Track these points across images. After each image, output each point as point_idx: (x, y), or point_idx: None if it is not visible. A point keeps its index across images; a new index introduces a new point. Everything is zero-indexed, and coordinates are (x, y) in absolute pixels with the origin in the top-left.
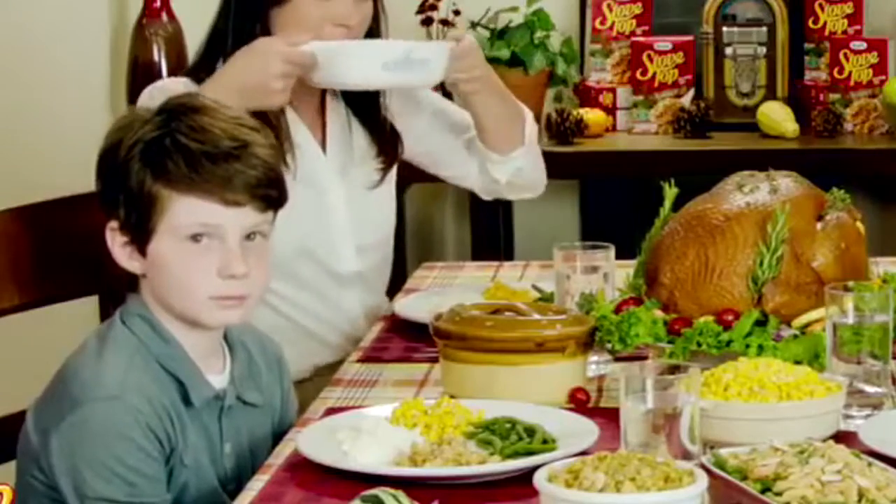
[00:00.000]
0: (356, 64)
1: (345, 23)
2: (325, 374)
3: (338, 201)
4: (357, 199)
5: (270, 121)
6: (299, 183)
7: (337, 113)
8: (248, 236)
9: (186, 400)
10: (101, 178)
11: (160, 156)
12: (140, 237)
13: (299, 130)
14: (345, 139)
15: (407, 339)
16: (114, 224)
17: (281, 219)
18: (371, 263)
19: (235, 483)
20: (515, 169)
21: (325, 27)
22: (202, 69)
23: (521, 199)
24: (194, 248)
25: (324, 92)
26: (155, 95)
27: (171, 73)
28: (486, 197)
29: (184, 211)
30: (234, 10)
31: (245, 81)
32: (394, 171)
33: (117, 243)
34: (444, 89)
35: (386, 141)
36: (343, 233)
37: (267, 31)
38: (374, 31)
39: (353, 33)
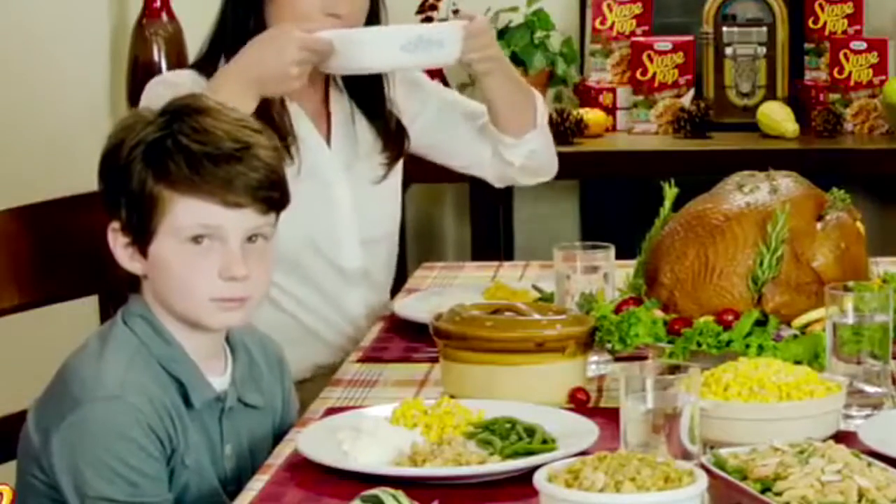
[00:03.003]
0: (373, 48)
1: (335, 11)
2: (325, 374)
3: (343, 195)
4: (362, 193)
5: (273, 116)
6: (304, 177)
7: (341, 106)
8: (250, 238)
9: (187, 401)
10: (104, 178)
11: (162, 157)
12: (141, 238)
13: (303, 124)
14: (349, 133)
15: (407, 339)
16: (116, 225)
17: (286, 213)
18: (376, 259)
19: (235, 484)
20: (529, 151)
21: (316, 17)
22: (206, 62)
23: (535, 182)
24: (195, 249)
25: (327, 86)
26: (160, 92)
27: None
28: (498, 184)
29: (185, 212)
30: (233, 4)
31: (261, 69)
32: (399, 165)
33: (119, 244)
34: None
35: (391, 135)
36: (348, 227)
37: (261, 23)
38: (373, 26)
39: (347, 23)
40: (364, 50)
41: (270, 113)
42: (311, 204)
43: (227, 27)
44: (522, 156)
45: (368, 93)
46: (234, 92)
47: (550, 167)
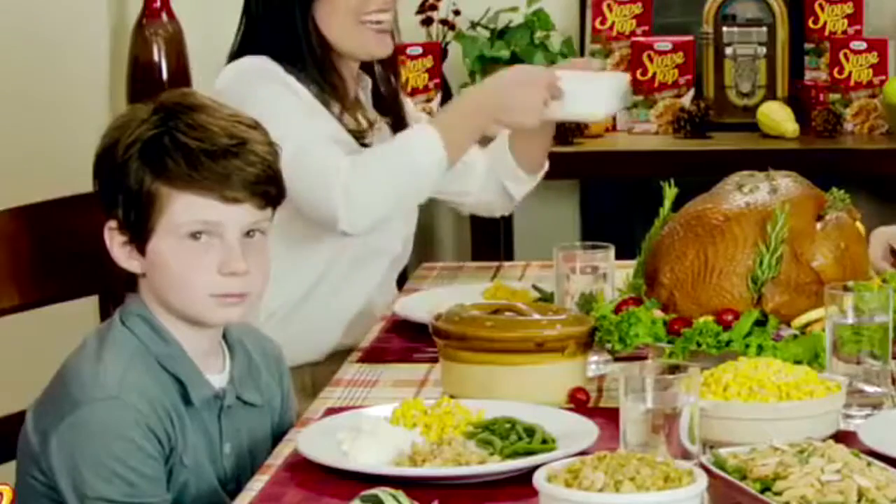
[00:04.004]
0: (605, 94)
1: (385, 7)
2: (339, 359)
3: None
4: None
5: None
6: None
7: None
8: (248, 233)
9: (186, 399)
10: (100, 177)
11: (159, 154)
12: (139, 236)
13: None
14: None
15: (407, 339)
16: (112, 224)
17: None
18: (405, 249)
19: (235, 483)
20: (528, 188)
21: (366, 15)
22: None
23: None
24: (194, 245)
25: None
26: (280, 92)
27: (172, 73)
28: (496, 214)
29: (183, 209)
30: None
31: (512, 101)
32: None
33: (116, 243)
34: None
35: None
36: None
37: (306, 19)
38: None
39: (391, 18)
40: (597, 96)
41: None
42: None
43: (261, 21)
44: (526, 191)
45: (390, 105)
46: (477, 121)
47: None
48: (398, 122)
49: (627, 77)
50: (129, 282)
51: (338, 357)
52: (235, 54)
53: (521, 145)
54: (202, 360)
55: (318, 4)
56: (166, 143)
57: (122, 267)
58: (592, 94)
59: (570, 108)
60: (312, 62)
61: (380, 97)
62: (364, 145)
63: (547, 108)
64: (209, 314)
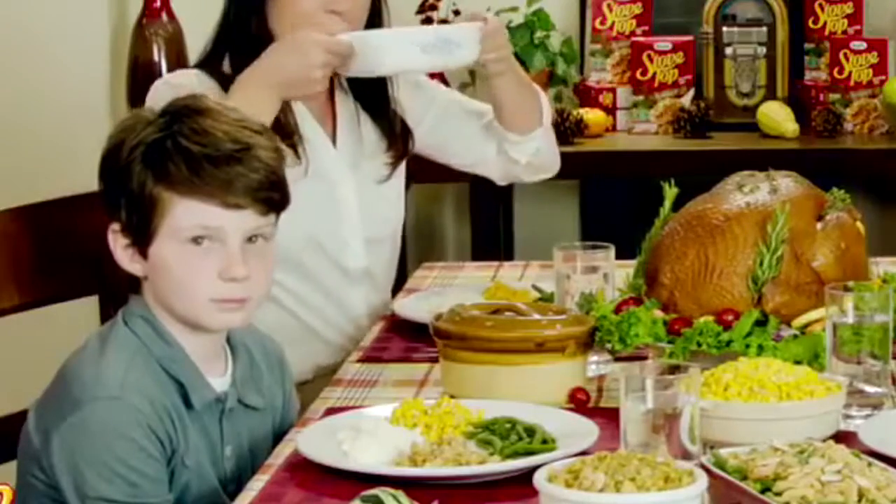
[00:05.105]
0: (393, 50)
1: (335, 8)
2: (326, 375)
3: (348, 195)
4: (367, 193)
5: (279, 117)
6: (310, 177)
7: (346, 106)
8: (250, 239)
9: (187, 402)
10: (104, 179)
11: (161, 158)
12: (141, 240)
13: (308, 125)
14: (354, 132)
15: (407, 339)
16: (116, 226)
17: (290, 211)
18: (379, 259)
19: (235, 484)
20: (535, 149)
21: (317, 14)
22: (210, 61)
23: (538, 179)
24: (195, 250)
25: (332, 87)
26: (165, 93)
27: (172, 72)
28: (502, 182)
29: (185, 213)
30: (235, 3)
31: (285, 73)
32: (403, 166)
33: (119, 245)
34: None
35: (396, 135)
36: (353, 226)
37: (263, 22)
38: (376, 26)
39: (348, 21)
40: (385, 52)
41: (276, 114)
42: (316, 204)
43: (230, 26)
44: (528, 153)
45: (373, 93)
46: (257, 97)
47: (553, 164)
48: (380, 110)
49: (443, 29)
50: (133, 282)
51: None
52: (196, 64)
53: (496, 108)
54: (204, 363)
55: (272, 10)
56: (169, 147)
57: (124, 269)
58: (384, 48)
59: (363, 65)
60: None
61: (376, 111)
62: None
63: (348, 68)
64: (209, 319)
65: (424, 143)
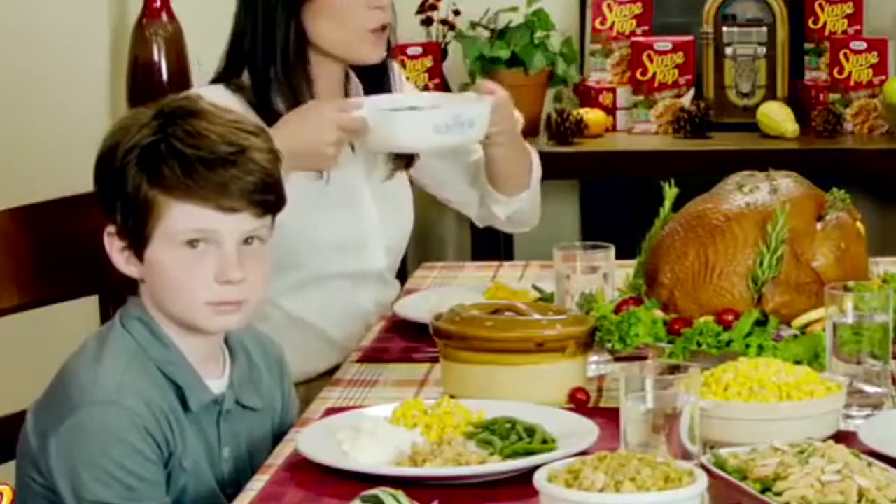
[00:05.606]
0: (407, 129)
1: (379, 5)
2: (327, 375)
3: (369, 201)
4: (381, 197)
5: None
6: (333, 182)
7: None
8: (246, 241)
9: (184, 404)
10: (99, 182)
11: (156, 161)
12: (137, 242)
13: None
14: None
15: (407, 339)
16: (111, 228)
17: (312, 218)
18: (393, 262)
19: (234, 486)
20: (517, 209)
21: (359, 10)
22: (229, 75)
23: (515, 232)
24: (191, 253)
25: (346, 88)
26: None
27: (172, 73)
28: (480, 225)
29: (180, 217)
30: (262, 8)
31: (298, 146)
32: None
33: (115, 248)
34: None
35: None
36: (375, 231)
37: (300, 26)
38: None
39: (388, 14)
40: (398, 131)
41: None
42: (338, 210)
43: (252, 35)
44: (510, 212)
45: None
46: None
47: (533, 220)
48: None
49: (457, 110)
50: (132, 283)
51: None
52: (215, 79)
53: (487, 168)
54: (201, 365)
55: (309, 11)
56: (163, 150)
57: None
58: (397, 127)
59: (378, 141)
60: (284, 76)
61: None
62: None
63: (363, 141)
64: (206, 322)
65: (421, 173)
